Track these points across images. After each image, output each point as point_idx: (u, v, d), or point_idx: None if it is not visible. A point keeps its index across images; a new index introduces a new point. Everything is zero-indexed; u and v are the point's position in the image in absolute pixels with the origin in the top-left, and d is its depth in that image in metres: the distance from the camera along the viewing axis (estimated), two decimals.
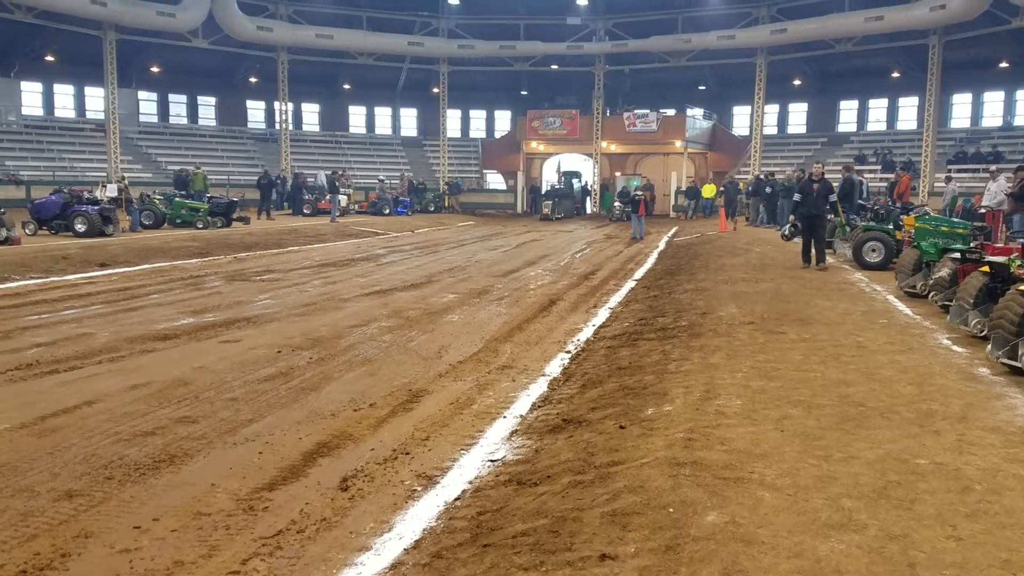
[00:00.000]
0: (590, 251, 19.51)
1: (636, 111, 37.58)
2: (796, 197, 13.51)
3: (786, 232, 13.98)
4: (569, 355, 7.68)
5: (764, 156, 35.62)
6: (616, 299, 11.33)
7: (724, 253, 16.17)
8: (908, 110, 36.50)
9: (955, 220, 13.07)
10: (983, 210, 16.56)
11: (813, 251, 13.27)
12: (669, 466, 3.99)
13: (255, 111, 41.56)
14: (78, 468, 4.50)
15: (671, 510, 3.46)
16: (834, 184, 14.68)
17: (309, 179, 32.55)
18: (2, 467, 4.49)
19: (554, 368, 7.16)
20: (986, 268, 7.54)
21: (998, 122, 34.26)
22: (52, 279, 12.34)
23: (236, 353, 7.46)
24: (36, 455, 4.69)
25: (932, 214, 13.32)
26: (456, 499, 4.14)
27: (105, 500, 4.10)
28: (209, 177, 29.04)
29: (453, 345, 8.06)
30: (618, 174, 39.44)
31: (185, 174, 27.64)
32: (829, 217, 13.98)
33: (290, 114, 38.39)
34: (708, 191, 33.92)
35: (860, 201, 16.69)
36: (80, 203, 18.44)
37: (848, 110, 38.79)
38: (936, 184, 29.84)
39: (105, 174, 29.57)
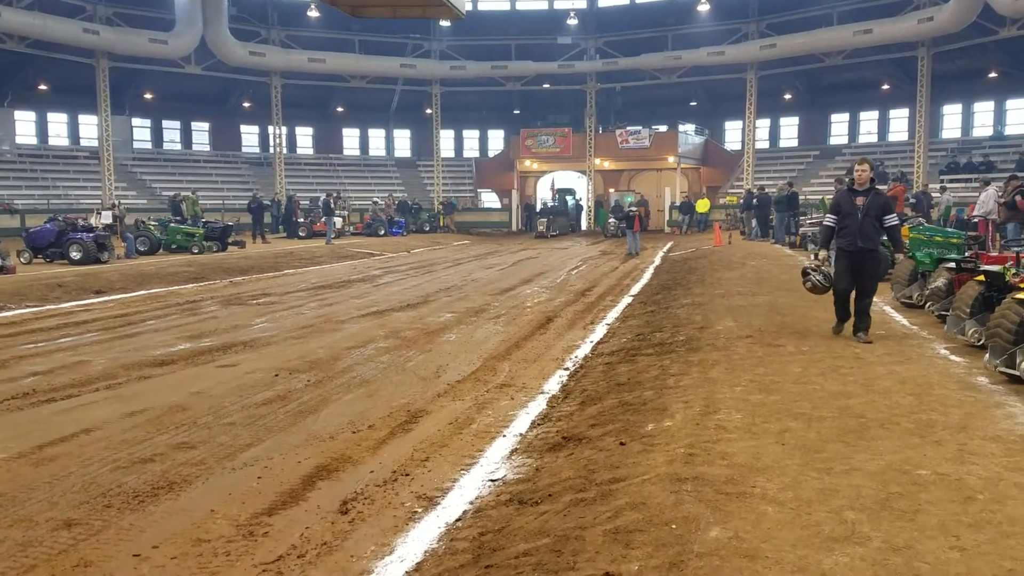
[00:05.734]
0: (586, 268, 19.53)
1: (628, 128, 37.89)
2: (829, 220, 8.08)
3: (818, 281, 8.03)
4: (567, 372, 7.67)
5: (757, 170, 35.81)
6: (613, 315, 11.33)
7: (720, 267, 16.19)
8: (899, 122, 36.73)
9: (949, 230, 13.14)
10: (976, 219, 16.67)
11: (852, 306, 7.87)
12: (671, 482, 3.97)
13: (249, 135, 41.72)
14: (76, 497, 4.47)
15: (674, 526, 3.44)
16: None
17: (303, 203, 32.59)
18: (0, 497, 4.46)
19: (553, 385, 7.15)
20: (981, 277, 7.56)
21: (989, 132, 34.48)
22: (48, 307, 12.30)
23: (233, 377, 7.43)
24: (34, 484, 4.66)
25: (926, 224, 13.38)
26: (457, 520, 4.11)
27: (104, 529, 4.07)
28: (204, 202, 29.07)
29: (451, 364, 8.04)
30: (612, 190, 39.63)
31: (180, 199, 27.71)
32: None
33: (284, 138, 38.54)
34: (702, 206, 34.06)
35: None
36: (75, 231, 18.41)
37: (839, 123, 39.05)
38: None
39: (100, 201, 29.62)
